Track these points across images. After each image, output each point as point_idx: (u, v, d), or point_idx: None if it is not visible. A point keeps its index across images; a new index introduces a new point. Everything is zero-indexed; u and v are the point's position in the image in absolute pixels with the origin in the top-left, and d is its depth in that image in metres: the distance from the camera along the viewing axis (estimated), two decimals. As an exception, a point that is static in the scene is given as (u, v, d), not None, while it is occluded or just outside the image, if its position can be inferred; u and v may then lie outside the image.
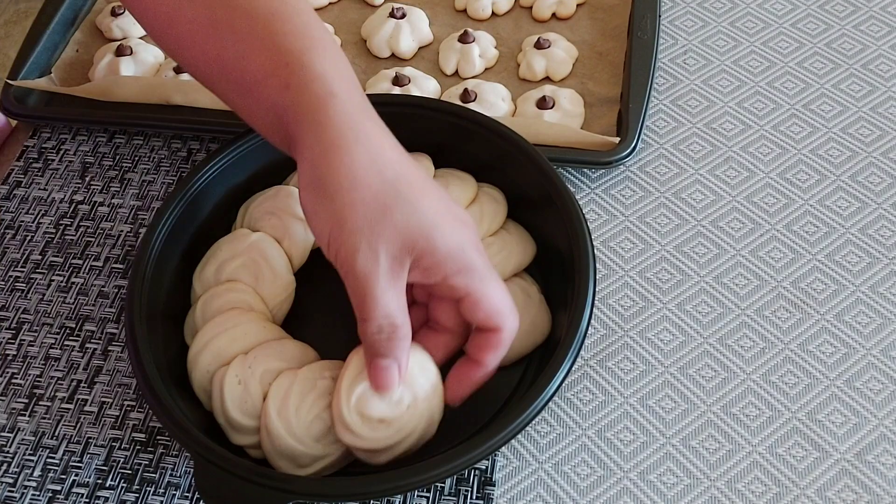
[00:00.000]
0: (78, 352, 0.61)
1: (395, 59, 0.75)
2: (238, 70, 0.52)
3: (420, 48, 0.75)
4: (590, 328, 0.53)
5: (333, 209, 0.48)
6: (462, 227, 0.50)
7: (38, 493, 0.55)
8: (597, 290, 0.57)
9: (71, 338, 0.62)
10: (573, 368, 0.52)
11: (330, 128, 0.49)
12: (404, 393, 0.51)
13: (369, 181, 0.48)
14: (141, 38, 0.77)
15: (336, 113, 0.49)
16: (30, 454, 0.57)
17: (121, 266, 0.65)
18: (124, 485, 0.55)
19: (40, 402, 0.59)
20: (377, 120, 0.52)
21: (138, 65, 0.73)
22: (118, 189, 0.69)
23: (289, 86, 0.50)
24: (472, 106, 0.68)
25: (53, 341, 0.62)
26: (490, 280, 0.50)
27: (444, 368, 0.53)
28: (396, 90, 0.70)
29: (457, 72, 0.73)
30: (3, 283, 0.65)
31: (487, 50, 0.74)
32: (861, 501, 0.53)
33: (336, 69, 0.51)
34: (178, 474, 0.56)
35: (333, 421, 0.51)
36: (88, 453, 0.57)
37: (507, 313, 0.51)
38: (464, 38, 0.73)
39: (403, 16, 0.75)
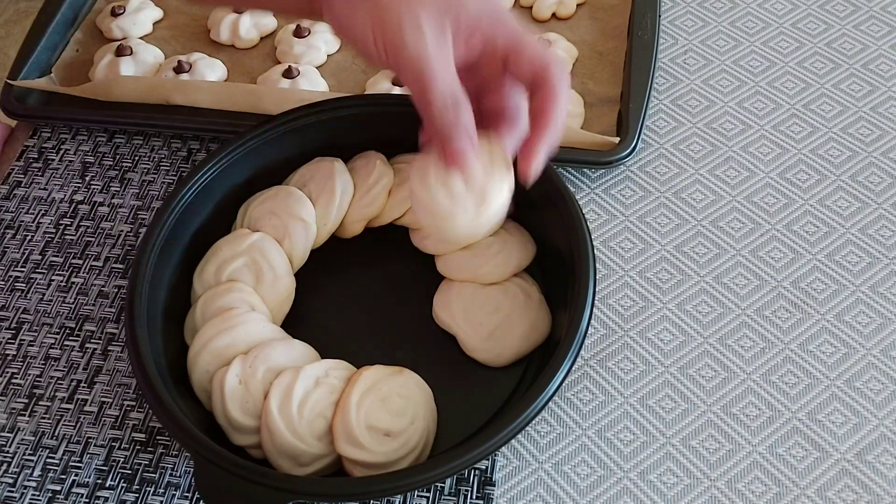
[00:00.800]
0: (78, 352, 0.61)
1: (395, 59, 0.75)
2: None
3: (420, 48, 0.75)
4: (590, 328, 0.53)
5: (370, 3, 0.49)
6: None
7: (38, 493, 0.55)
8: (597, 290, 0.57)
9: (71, 338, 0.62)
10: (573, 368, 0.52)
11: None
12: (406, 407, 0.53)
13: None
14: (141, 38, 0.77)
15: None
16: (30, 454, 0.57)
17: (121, 266, 0.65)
18: (124, 485, 0.55)
19: (40, 402, 0.59)
20: None
21: (138, 65, 0.73)
22: (118, 189, 0.69)
23: None
24: (472, 106, 0.68)
25: (53, 341, 0.62)
26: (526, 32, 0.51)
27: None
28: (396, 90, 0.70)
29: (457, 72, 0.73)
30: (3, 283, 0.64)
31: (487, 50, 0.74)
32: (861, 501, 0.53)
33: None
34: (178, 474, 0.56)
35: (336, 435, 0.52)
36: (88, 453, 0.57)
37: (552, 56, 0.51)
38: (464, 38, 0.73)
39: (403, 16, 0.75)
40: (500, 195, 0.52)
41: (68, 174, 0.70)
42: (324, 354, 0.56)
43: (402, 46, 0.48)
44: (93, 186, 0.69)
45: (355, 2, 0.49)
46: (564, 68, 0.51)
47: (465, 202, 0.51)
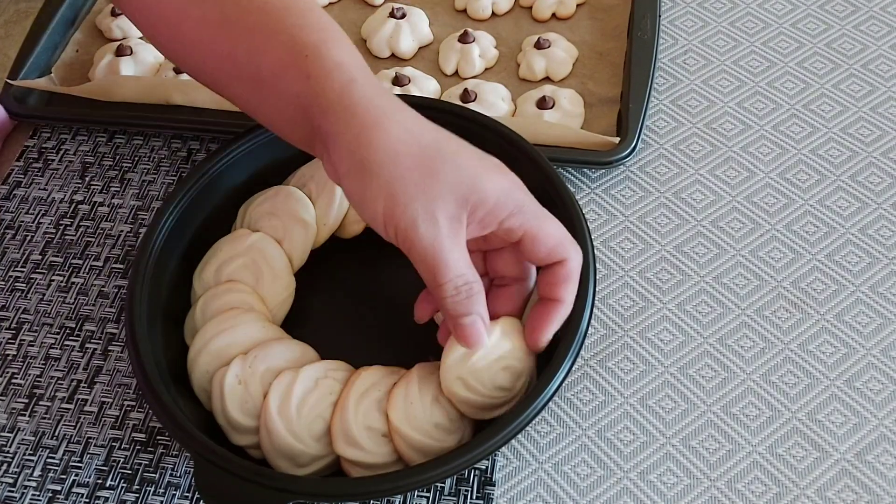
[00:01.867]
0: (78, 352, 0.61)
1: (395, 59, 0.75)
2: (253, 65, 0.52)
3: (420, 48, 0.75)
4: (590, 328, 0.53)
5: (381, 185, 0.48)
6: (504, 173, 0.51)
7: (38, 493, 0.55)
8: (597, 290, 0.57)
9: (71, 338, 0.62)
10: (573, 368, 0.52)
11: (359, 109, 0.49)
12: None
13: (410, 150, 0.49)
14: (141, 38, 0.77)
15: (361, 96, 0.50)
16: (30, 454, 0.57)
17: (121, 266, 0.65)
18: (124, 485, 0.55)
19: (40, 402, 0.59)
20: (397, 98, 0.52)
21: (138, 65, 0.73)
22: (118, 189, 0.69)
23: (309, 76, 0.50)
24: (472, 106, 0.68)
25: (53, 341, 0.62)
26: (543, 216, 0.51)
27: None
28: (396, 90, 0.70)
29: (457, 72, 0.73)
30: (3, 283, 0.64)
31: (487, 50, 0.74)
32: (861, 501, 0.53)
33: (352, 58, 0.52)
34: (178, 474, 0.56)
35: (334, 436, 0.52)
36: (88, 453, 0.57)
37: (569, 244, 0.52)
38: (464, 38, 0.73)
39: (403, 16, 0.75)
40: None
41: (68, 174, 0.70)
42: (323, 355, 0.56)
43: (414, 238, 0.48)
44: (93, 186, 0.69)
45: (366, 179, 0.48)
46: (580, 257, 0.52)
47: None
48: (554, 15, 0.77)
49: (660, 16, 0.74)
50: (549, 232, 0.51)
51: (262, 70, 0.52)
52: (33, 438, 0.57)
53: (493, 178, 0.50)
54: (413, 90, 0.70)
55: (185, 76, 0.72)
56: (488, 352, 0.52)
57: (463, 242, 0.49)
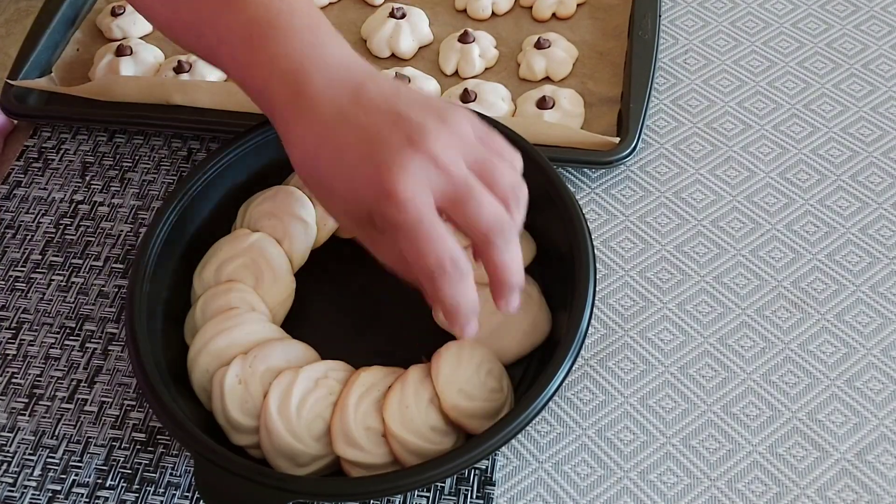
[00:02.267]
0: (78, 351, 0.61)
1: (395, 59, 0.75)
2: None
3: (420, 48, 0.75)
4: (590, 328, 0.53)
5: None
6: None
7: (38, 492, 0.55)
8: (597, 290, 0.57)
9: (71, 337, 0.62)
10: (573, 368, 0.52)
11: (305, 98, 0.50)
12: None
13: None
14: (141, 37, 0.77)
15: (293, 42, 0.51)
16: (30, 454, 0.57)
17: (121, 266, 0.65)
18: (124, 485, 0.55)
19: (40, 402, 0.59)
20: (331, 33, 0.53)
21: (138, 64, 0.73)
22: (118, 189, 0.69)
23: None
24: (472, 106, 0.68)
25: (53, 341, 0.62)
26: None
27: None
28: (396, 90, 0.70)
29: (457, 72, 0.73)
30: (3, 282, 0.65)
31: (487, 50, 0.74)
32: (861, 501, 0.53)
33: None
34: (178, 474, 0.56)
35: (334, 436, 0.52)
36: (88, 453, 0.57)
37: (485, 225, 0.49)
38: (464, 38, 0.73)
39: (403, 16, 0.75)
40: None
41: (68, 174, 0.70)
42: (323, 354, 0.56)
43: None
44: (93, 186, 0.69)
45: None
46: (501, 233, 0.49)
47: None
48: (554, 15, 0.77)
49: (660, 15, 0.74)
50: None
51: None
52: (33, 438, 0.57)
53: (358, 192, 0.49)
54: (413, 90, 0.70)
55: (185, 76, 0.72)
56: (472, 356, 0.53)
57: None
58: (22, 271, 0.65)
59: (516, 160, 0.52)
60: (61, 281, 0.64)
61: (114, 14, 0.77)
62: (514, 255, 0.50)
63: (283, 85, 0.51)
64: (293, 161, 0.52)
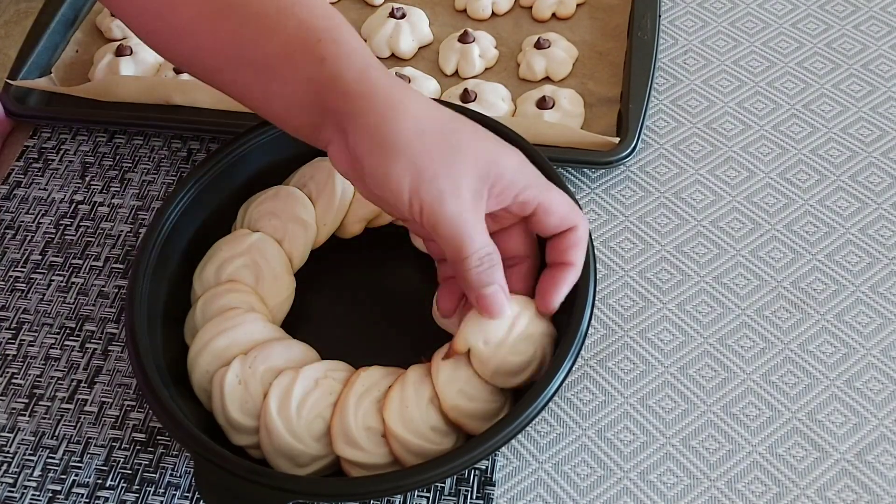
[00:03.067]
0: (78, 352, 0.61)
1: (395, 59, 0.75)
2: (259, 49, 0.52)
3: (420, 48, 0.75)
4: (590, 328, 0.53)
5: (407, 162, 0.49)
6: (516, 151, 0.53)
7: (38, 493, 0.55)
8: (597, 290, 0.57)
9: (71, 338, 0.62)
10: (573, 368, 0.52)
11: (380, 91, 0.50)
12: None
13: (433, 128, 0.50)
14: (141, 38, 0.77)
15: (379, 79, 0.51)
16: (30, 454, 0.57)
17: (121, 266, 0.65)
18: (124, 485, 0.55)
19: (40, 402, 0.59)
20: (409, 85, 0.54)
21: (138, 65, 0.73)
22: (118, 189, 0.69)
23: (324, 59, 0.51)
24: (472, 106, 0.68)
25: (53, 341, 0.62)
26: (552, 188, 0.53)
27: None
28: (396, 90, 0.70)
29: (457, 72, 0.73)
30: (3, 283, 0.64)
31: (487, 50, 0.74)
32: (861, 501, 0.53)
33: (363, 45, 0.53)
34: (178, 474, 0.56)
35: (334, 436, 0.52)
36: (88, 453, 0.57)
37: (578, 211, 0.53)
38: (464, 38, 0.73)
39: (403, 16, 0.75)
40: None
41: (68, 174, 0.70)
42: (323, 354, 0.56)
43: (441, 212, 0.49)
44: (93, 186, 0.69)
45: (390, 158, 0.49)
46: (587, 224, 0.54)
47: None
48: (554, 15, 0.77)
49: (660, 16, 0.74)
50: (560, 201, 0.53)
51: (268, 54, 0.52)
52: (33, 438, 0.57)
53: (507, 153, 0.52)
54: (413, 90, 0.70)
55: (185, 76, 0.72)
56: (503, 326, 0.53)
57: (483, 216, 0.51)
58: (22, 272, 0.65)
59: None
60: (61, 281, 0.64)
61: (114, 14, 0.77)
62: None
63: (382, 72, 0.51)
64: (398, 134, 0.49)
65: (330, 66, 0.50)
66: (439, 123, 0.50)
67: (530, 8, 0.77)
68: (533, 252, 0.56)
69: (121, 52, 0.73)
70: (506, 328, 0.53)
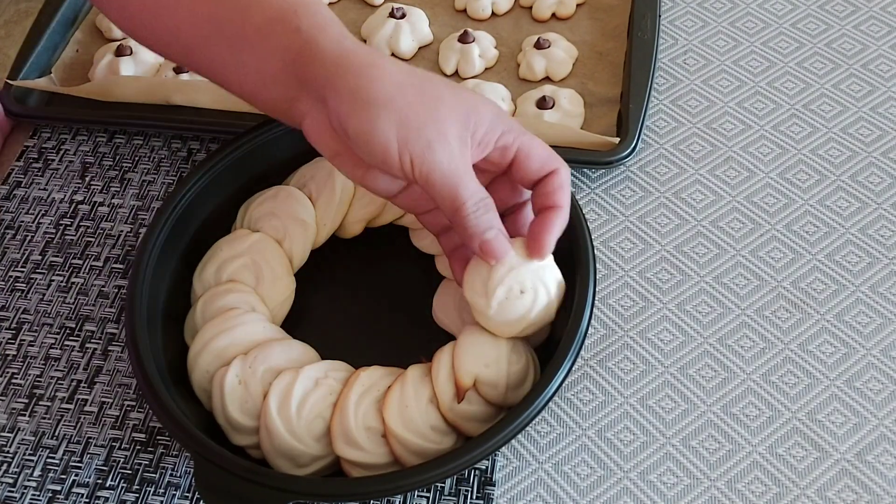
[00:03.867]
0: (78, 352, 0.61)
1: (395, 59, 0.75)
2: (237, 23, 0.53)
3: (420, 48, 0.75)
4: (590, 328, 0.53)
5: (392, 115, 0.49)
6: (489, 99, 0.55)
7: (38, 493, 0.55)
8: (597, 290, 0.57)
9: (71, 338, 0.62)
10: (573, 368, 0.52)
11: (357, 55, 0.51)
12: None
13: (411, 82, 0.51)
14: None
15: (356, 46, 0.52)
16: (30, 454, 0.57)
17: (121, 266, 0.65)
18: (124, 485, 0.55)
19: (40, 402, 0.59)
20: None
21: (138, 65, 0.73)
22: (118, 189, 0.69)
23: (300, 29, 0.51)
24: (472, 106, 0.68)
25: (53, 341, 0.62)
26: (530, 134, 0.53)
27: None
28: (396, 90, 0.70)
29: (457, 72, 0.73)
30: (3, 283, 0.64)
31: (487, 50, 0.74)
32: (861, 501, 0.53)
33: (339, 21, 0.54)
34: (178, 474, 0.56)
35: (334, 436, 0.52)
36: (88, 453, 0.57)
37: (558, 156, 0.54)
38: (464, 38, 0.73)
39: (403, 16, 0.75)
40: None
41: (68, 174, 0.70)
42: (324, 355, 0.56)
43: (432, 161, 0.50)
44: (93, 186, 0.69)
45: (374, 113, 0.49)
46: (568, 168, 0.54)
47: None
48: (554, 15, 0.77)
49: (660, 16, 0.74)
50: (540, 145, 0.53)
51: (246, 28, 0.53)
52: (33, 438, 0.57)
53: (485, 102, 0.53)
54: (413, 90, 0.70)
55: (185, 76, 0.72)
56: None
57: (470, 163, 0.52)
58: (22, 272, 0.65)
59: None
60: (61, 281, 0.64)
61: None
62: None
63: (357, 42, 0.53)
64: (380, 90, 0.50)
65: (306, 34, 0.51)
66: (417, 79, 0.51)
67: (530, 8, 0.78)
68: (523, 197, 0.56)
69: (121, 52, 0.73)
70: (495, 340, 0.53)
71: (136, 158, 0.71)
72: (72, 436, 0.57)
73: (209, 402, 0.55)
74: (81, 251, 0.66)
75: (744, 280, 0.62)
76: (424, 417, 0.52)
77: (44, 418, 0.58)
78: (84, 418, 0.58)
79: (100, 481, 0.56)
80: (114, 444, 0.57)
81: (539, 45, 0.72)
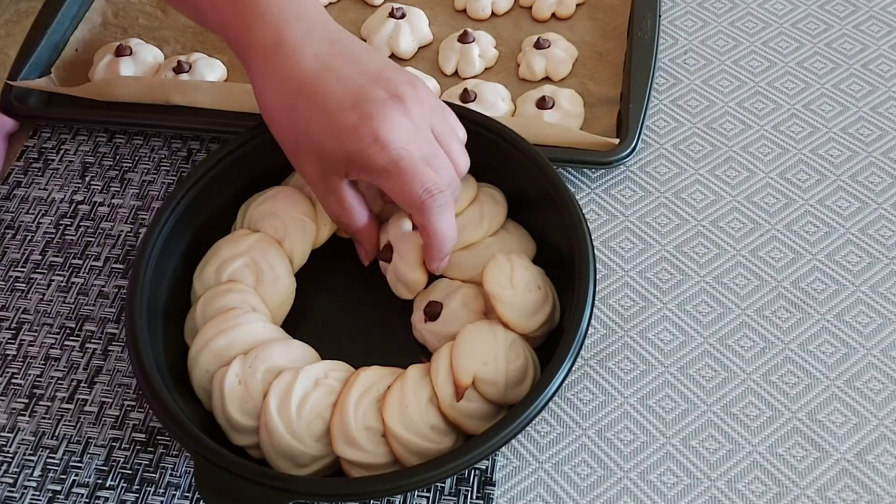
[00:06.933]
0: (78, 352, 0.61)
1: (395, 59, 0.75)
2: None
3: (420, 48, 0.75)
4: (590, 328, 0.53)
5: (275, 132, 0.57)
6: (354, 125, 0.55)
7: (38, 493, 0.55)
8: (597, 290, 0.57)
9: (71, 338, 0.62)
10: (573, 368, 0.52)
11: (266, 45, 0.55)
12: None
13: (292, 104, 0.55)
14: (140, 38, 0.76)
15: (274, 37, 0.55)
16: (30, 454, 0.57)
17: (121, 266, 0.65)
18: (124, 485, 0.55)
19: (40, 402, 0.59)
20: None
21: (138, 65, 0.73)
22: (118, 189, 0.69)
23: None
24: (471, 106, 0.68)
25: (53, 341, 0.62)
26: (389, 172, 0.54)
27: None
28: (396, 90, 0.70)
29: (456, 72, 0.73)
30: (3, 283, 0.64)
31: (487, 50, 0.74)
32: (861, 501, 0.53)
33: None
34: (178, 474, 0.56)
35: (334, 436, 0.52)
36: (88, 453, 0.57)
37: (416, 197, 0.55)
38: (463, 38, 0.73)
39: (403, 16, 0.75)
40: None
41: (68, 174, 0.70)
42: (324, 355, 0.56)
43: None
44: (93, 186, 0.69)
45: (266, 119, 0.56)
46: (431, 202, 0.54)
47: None
48: (554, 15, 0.77)
49: (660, 16, 0.74)
50: (395, 188, 0.54)
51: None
52: (33, 438, 0.57)
53: (340, 138, 0.54)
54: (413, 90, 0.70)
55: (185, 76, 0.72)
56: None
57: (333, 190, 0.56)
58: (22, 272, 0.65)
59: (462, 132, 0.58)
60: (61, 281, 0.64)
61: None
62: (452, 219, 0.56)
63: (264, 29, 0.54)
64: (266, 107, 0.55)
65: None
66: (298, 99, 0.54)
67: (530, 8, 0.77)
68: None
69: (120, 52, 0.73)
70: (493, 338, 0.54)
71: (136, 158, 0.71)
72: (72, 436, 0.57)
73: (209, 402, 0.55)
74: (81, 251, 0.66)
75: (744, 280, 0.62)
76: (424, 417, 0.52)
77: (44, 418, 0.58)
78: (84, 418, 0.58)
79: (100, 481, 0.56)
80: (114, 444, 0.57)
81: (539, 45, 0.72)
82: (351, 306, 0.61)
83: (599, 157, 0.66)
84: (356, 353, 0.56)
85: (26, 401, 0.59)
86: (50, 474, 0.56)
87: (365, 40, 0.75)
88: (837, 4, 0.77)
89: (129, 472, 0.56)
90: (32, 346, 0.61)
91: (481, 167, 0.62)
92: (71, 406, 0.59)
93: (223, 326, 0.55)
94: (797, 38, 0.75)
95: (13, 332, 0.62)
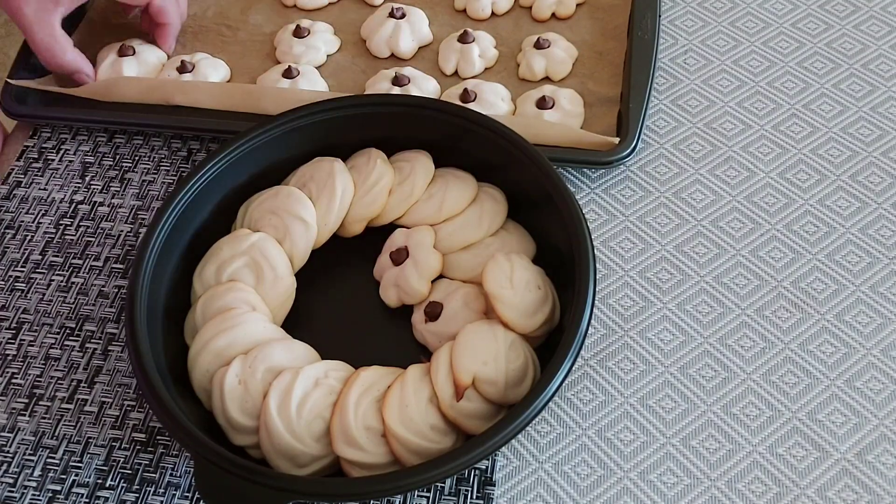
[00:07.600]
0: (78, 352, 0.61)
1: (395, 59, 0.75)
2: None
3: (420, 48, 0.75)
4: (590, 328, 0.53)
5: None
6: None
7: (38, 493, 0.55)
8: (597, 290, 0.57)
9: (71, 338, 0.62)
10: (573, 368, 0.52)
11: None
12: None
13: None
14: (141, 38, 0.76)
15: None
16: (30, 454, 0.57)
17: (121, 266, 0.65)
18: (124, 485, 0.55)
19: (40, 402, 0.59)
20: None
21: (141, 65, 0.73)
22: (118, 189, 0.69)
23: None
24: (471, 106, 0.68)
25: (53, 341, 0.62)
26: None
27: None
28: (396, 90, 0.70)
29: (456, 72, 0.73)
30: (3, 283, 0.65)
31: (487, 50, 0.74)
32: (861, 501, 0.53)
33: None
34: (178, 474, 0.56)
35: (334, 436, 0.52)
36: (88, 453, 0.57)
37: None
38: (463, 38, 0.73)
39: (403, 16, 0.75)
40: None
41: (68, 174, 0.70)
42: (324, 355, 0.56)
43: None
44: (93, 186, 0.69)
45: None
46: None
47: None
48: (554, 15, 0.77)
49: (660, 16, 0.74)
50: None
51: None
52: (33, 438, 0.57)
53: None
54: (413, 90, 0.70)
55: (187, 76, 0.72)
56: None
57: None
58: (22, 271, 0.65)
59: None
60: (61, 281, 0.64)
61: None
62: None
63: None
64: None
65: None
66: None
67: (530, 8, 0.77)
68: None
69: (124, 52, 0.73)
70: (493, 338, 0.54)
71: (136, 158, 0.71)
72: (72, 436, 0.57)
73: (209, 402, 0.55)
74: (81, 251, 0.66)
75: (744, 280, 0.62)
76: (424, 417, 0.52)
77: (44, 418, 0.58)
78: (84, 418, 0.58)
79: (100, 481, 0.56)
80: (114, 444, 0.57)
81: (539, 45, 0.72)
82: (351, 306, 0.61)
83: (599, 156, 0.66)
84: (356, 353, 0.56)
85: (26, 401, 0.59)
86: (50, 474, 0.56)
87: (365, 41, 0.75)
88: (837, 4, 0.77)
89: (129, 472, 0.56)
90: (32, 345, 0.61)
91: (481, 167, 0.63)
92: (71, 406, 0.59)
93: (223, 326, 0.55)
94: (797, 38, 0.75)
95: (13, 331, 0.62)
